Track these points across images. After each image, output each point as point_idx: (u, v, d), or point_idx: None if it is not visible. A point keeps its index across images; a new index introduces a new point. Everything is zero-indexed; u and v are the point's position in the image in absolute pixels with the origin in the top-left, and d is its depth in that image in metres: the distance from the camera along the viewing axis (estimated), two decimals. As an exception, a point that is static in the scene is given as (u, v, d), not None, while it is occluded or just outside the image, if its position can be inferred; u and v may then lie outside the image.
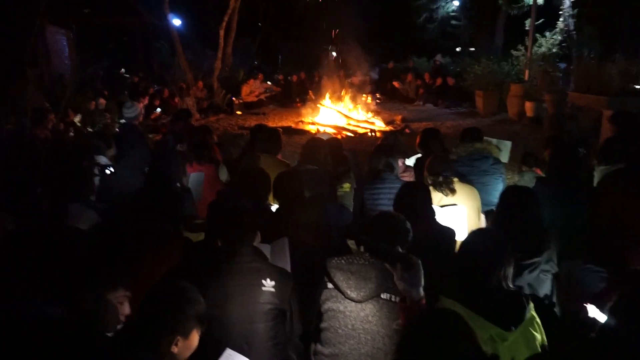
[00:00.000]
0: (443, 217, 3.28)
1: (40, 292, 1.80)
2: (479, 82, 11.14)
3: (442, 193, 3.41)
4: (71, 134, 6.78)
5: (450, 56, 18.26)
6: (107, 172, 3.63)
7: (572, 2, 10.49)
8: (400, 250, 2.07)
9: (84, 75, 13.26)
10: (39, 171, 4.04)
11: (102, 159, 4.45)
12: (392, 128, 9.66)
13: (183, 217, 3.24)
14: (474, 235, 2.13)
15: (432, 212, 2.73)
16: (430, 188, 3.50)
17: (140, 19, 14.54)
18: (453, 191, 3.41)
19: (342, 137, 9.16)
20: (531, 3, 10.11)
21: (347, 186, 4.00)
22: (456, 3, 20.62)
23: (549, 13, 11.63)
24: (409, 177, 4.04)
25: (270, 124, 10.80)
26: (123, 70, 14.15)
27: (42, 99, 7.64)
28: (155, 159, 3.39)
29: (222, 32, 13.28)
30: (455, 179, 3.51)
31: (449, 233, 2.67)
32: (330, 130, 9.53)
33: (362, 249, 2.23)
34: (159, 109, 10.49)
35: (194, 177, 3.73)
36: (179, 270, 2.35)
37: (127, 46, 15.33)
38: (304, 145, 3.88)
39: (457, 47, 21.43)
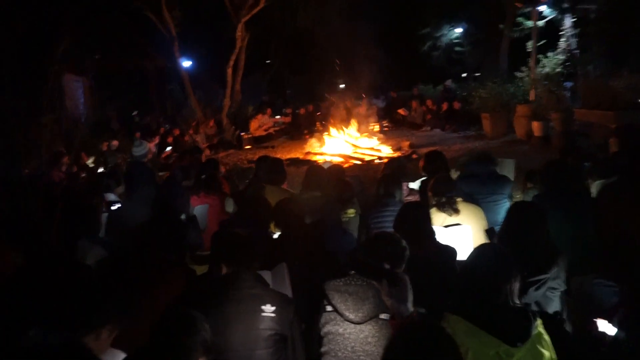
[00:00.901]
0: (448, 237, 3.26)
1: (43, 322, 1.84)
2: (485, 104, 11.18)
3: (446, 213, 3.40)
4: (84, 175, 6.97)
5: (457, 81, 18.46)
6: (113, 208, 3.69)
7: (573, 22, 10.61)
8: (397, 268, 2.06)
9: (99, 119, 13.72)
10: (55, 211, 4.17)
11: (111, 196, 4.56)
12: (399, 154, 9.70)
13: (189, 247, 3.29)
14: (479, 250, 2.11)
15: (432, 232, 2.71)
16: (435, 209, 3.51)
17: (152, 62, 15.11)
18: (457, 211, 3.40)
19: (349, 165, 9.23)
20: (532, 26, 10.23)
21: (351, 212, 4.00)
22: (459, 30, 20.97)
23: (551, 34, 11.75)
24: (413, 200, 4.04)
25: (279, 156, 10.97)
26: (136, 112, 14.60)
27: (59, 144, 7.90)
28: (161, 192, 3.46)
29: (229, 71, 13.68)
30: (459, 199, 3.51)
31: (450, 252, 2.65)
32: (338, 159, 9.62)
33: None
34: (169, 148, 10.72)
35: (198, 209, 3.79)
36: (182, 299, 2.37)
37: (140, 88, 15.85)
38: (305, 173, 3.93)
39: (463, 72, 21.66)
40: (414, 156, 9.50)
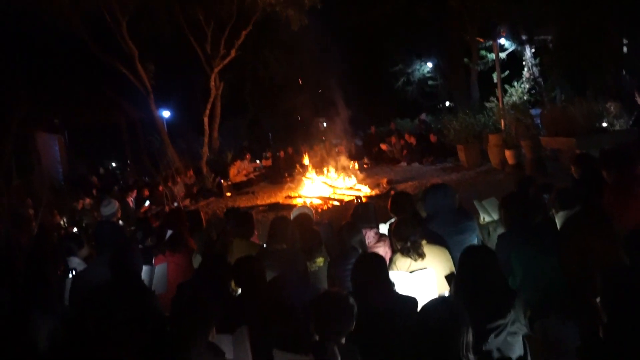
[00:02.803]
0: (413, 282, 3.22)
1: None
2: (458, 136, 11.38)
3: (411, 258, 3.36)
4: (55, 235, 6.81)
5: (432, 114, 18.88)
6: (77, 271, 3.58)
7: (532, 52, 11.03)
8: (341, 332, 1.99)
9: (74, 176, 13.62)
10: (18, 278, 4.04)
11: (74, 260, 4.44)
12: (378, 192, 9.72)
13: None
14: (429, 306, 2.08)
15: (389, 283, 2.66)
16: (399, 254, 3.47)
17: (125, 116, 15.20)
18: (422, 255, 3.36)
19: (329, 207, 9.21)
20: (494, 58, 10.60)
21: (320, 261, 3.94)
22: (430, 65, 21.64)
23: (515, 64, 12.17)
24: (383, 247, 3.98)
25: (259, 202, 10.92)
26: (114, 164, 14.54)
27: (28, 206, 7.75)
28: (117, 255, 3.37)
29: (206, 120, 13.82)
30: (424, 242, 3.48)
31: (410, 302, 2.59)
32: (317, 202, 9.60)
33: None
34: (147, 202, 10.60)
35: (157, 269, 3.70)
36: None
37: (115, 142, 15.88)
38: (270, 224, 3.88)
39: (437, 104, 22.21)
40: (392, 192, 9.54)
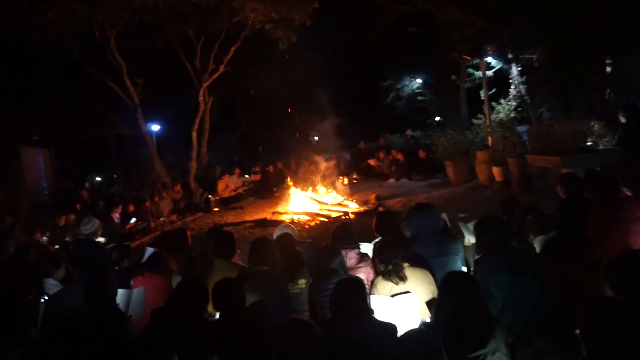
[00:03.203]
0: (394, 307, 3.15)
1: None
2: (447, 152, 11.41)
3: (392, 282, 3.30)
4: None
5: (422, 129, 19.00)
6: (42, 300, 3.46)
7: (519, 70, 11.16)
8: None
9: (59, 191, 13.43)
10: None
11: (50, 282, 4.31)
12: (366, 208, 9.68)
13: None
14: (406, 338, 2.03)
15: (366, 310, 2.59)
16: (380, 277, 3.42)
17: (113, 130, 15.09)
18: (403, 279, 3.30)
19: (316, 223, 9.14)
20: (481, 76, 10.70)
21: (302, 282, 3.86)
22: (419, 81, 21.84)
23: (502, 81, 12.30)
24: (365, 267, 3.92)
25: (247, 218, 10.82)
26: (98, 179, 14.38)
27: (8, 223, 7.59)
28: (90, 278, 3.27)
29: (194, 134, 13.76)
30: (406, 264, 3.42)
31: (389, 330, 2.53)
32: (305, 218, 9.53)
33: None
34: (134, 219, 10.45)
35: (135, 293, 3.60)
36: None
37: (102, 157, 15.73)
38: (250, 245, 3.80)
39: (427, 119, 22.36)
40: (380, 209, 9.50)
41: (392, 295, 3.22)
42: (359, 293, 2.56)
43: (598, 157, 6.38)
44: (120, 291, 3.56)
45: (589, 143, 6.64)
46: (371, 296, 3.21)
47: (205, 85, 13.76)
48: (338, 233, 4.02)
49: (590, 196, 3.68)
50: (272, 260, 3.75)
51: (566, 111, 10.07)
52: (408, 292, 3.26)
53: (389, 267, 3.37)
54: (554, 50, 8.42)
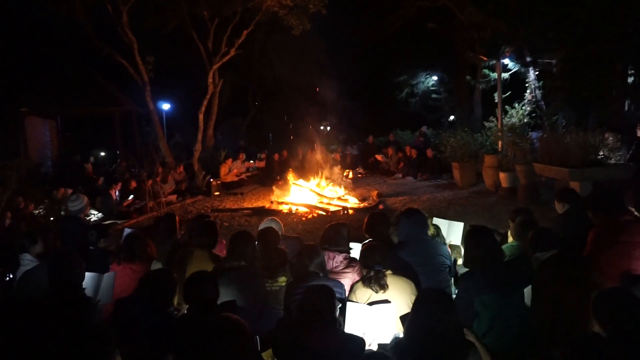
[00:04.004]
0: (370, 316, 2.99)
1: None
2: (455, 153, 11.15)
3: (372, 289, 3.13)
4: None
5: (434, 127, 18.65)
6: (7, 277, 3.35)
7: (536, 75, 10.79)
8: None
9: (64, 162, 13.41)
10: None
11: (27, 257, 4.21)
12: (366, 205, 9.50)
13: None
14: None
15: (334, 322, 2.42)
16: (360, 284, 3.24)
17: (120, 107, 15.00)
18: (383, 287, 3.12)
19: (314, 215, 8.98)
20: (496, 77, 10.37)
21: (282, 280, 3.70)
22: (435, 78, 21.42)
23: (518, 85, 11.94)
24: (351, 273, 3.74)
25: (246, 205, 10.69)
26: (103, 154, 14.36)
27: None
28: (54, 260, 3.13)
29: (201, 116, 13.61)
30: (389, 272, 3.24)
31: (357, 343, 2.36)
32: (303, 209, 9.37)
33: None
34: (132, 196, 10.38)
35: (105, 278, 3.47)
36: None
37: (107, 132, 15.69)
38: (230, 239, 3.64)
39: (440, 118, 21.95)
40: (380, 207, 9.32)
41: (370, 304, 3.06)
42: (328, 303, 2.39)
43: (608, 172, 6.10)
44: (88, 275, 3.45)
45: (601, 156, 6.35)
46: (347, 302, 3.06)
47: (215, 67, 13.57)
48: (329, 234, 3.86)
49: (592, 215, 3.44)
50: (251, 255, 3.59)
51: (582, 121, 9.70)
52: (387, 301, 3.09)
53: (370, 273, 3.21)
54: (571, 57, 8.08)
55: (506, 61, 11.06)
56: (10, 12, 10.59)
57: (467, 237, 3.18)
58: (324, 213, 9.06)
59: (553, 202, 5.35)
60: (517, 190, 8.89)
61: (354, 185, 11.81)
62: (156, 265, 4.19)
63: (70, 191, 9.14)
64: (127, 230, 4.47)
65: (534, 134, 11.07)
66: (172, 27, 13.97)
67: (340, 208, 9.20)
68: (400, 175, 13.31)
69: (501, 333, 2.90)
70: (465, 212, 8.37)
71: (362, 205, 9.46)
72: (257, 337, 2.77)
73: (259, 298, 3.44)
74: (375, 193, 10.44)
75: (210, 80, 13.59)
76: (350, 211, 9.06)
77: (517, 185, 9.08)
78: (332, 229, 3.93)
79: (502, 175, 9.41)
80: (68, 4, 10.73)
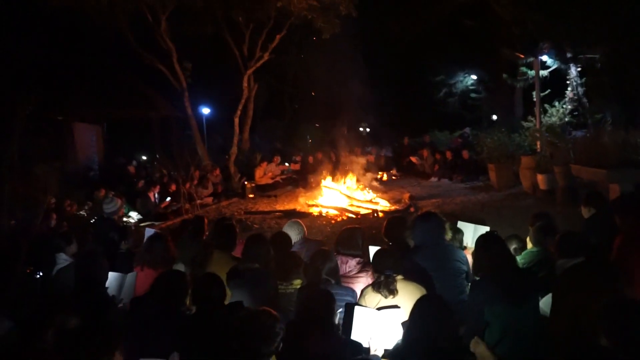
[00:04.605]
0: (378, 321, 2.96)
1: None
2: (491, 154, 10.82)
3: (381, 294, 3.10)
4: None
5: (473, 127, 18.15)
6: (38, 275, 3.56)
7: (578, 71, 10.29)
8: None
9: (110, 165, 14.08)
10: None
11: (62, 257, 4.45)
12: (397, 207, 9.39)
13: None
14: None
15: (331, 326, 2.42)
16: (370, 289, 3.22)
17: (158, 112, 15.57)
18: (393, 292, 3.09)
19: (343, 218, 8.97)
20: (534, 75, 9.99)
21: (297, 283, 3.73)
22: (474, 77, 20.86)
23: (559, 82, 11.43)
24: (365, 277, 3.72)
25: (278, 207, 10.81)
26: (144, 157, 14.96)
27: (48, 194, 7.98)
28: (81, 261, 3.31)
29: (236, 120, 13.91)
30: (399, 277, 3.21)
31: (354, 348, 2.35)
32: (333, 212, 9.38)
33: None
34: (169, 198, 10.74)
35: (128, 278, 3.62)
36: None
37: (147, 137, 16.32)
38: (245, 241, 3.72)
39: (480, 118, 21.34)
40: (412, 209, 9.17)
41: (378, 309, 3.03)
42: (327, 307, 2.40)
43: (651, 173, 5.73)
44: (112, 275, 3.60)
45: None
46: (356, 307, 3.04)
47: (249, 72, 13.84)
48: (343, 237, 3.86)
49: (619, 220, 3.25)
50: (265, 257, 3.65)
51: (629, 119, 9.18)
52: (397, 306, 3.05)
53: (381, 278, 3.18)
54: (616, 52, 7.64)
55: (545, 58, 10.61)
56: (57, 23, 11.22)
57: (476, 244, 3.09)
58: (354, 216, 9.03)
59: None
60: (556, 193, 8.53)
61: (388, 188, 11.70)
62: (178, 266, 4.33)
63: (112, 193, 9.58)
64: (149, 231, 4.63)
65: (578, 133, 10.57)
66: (209, 33, 14.35)
67: (371, 211, 9.14)
68: (436, 179, 13.03)
69: (513, 343, 2.79)
70: (499, 215, 8.10)
71: (393, 208, 9.35)
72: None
73: (271, 300, 3.48)
74: (407, 196, 10.28)
75: (245, 84, 13.87)
76: (381, 214, 8.98)
77: (555, 187, 8.70)
78: (346, 233, 3.93)
79: (539, 177, 9.04)
80: (109, 12, 11.26)
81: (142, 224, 9.24)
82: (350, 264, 3.74)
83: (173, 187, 11.41)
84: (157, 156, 13.34)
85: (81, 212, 8.85)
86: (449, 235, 3.85)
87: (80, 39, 12.72)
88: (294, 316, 2.47)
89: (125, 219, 9.13)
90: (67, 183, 10.45)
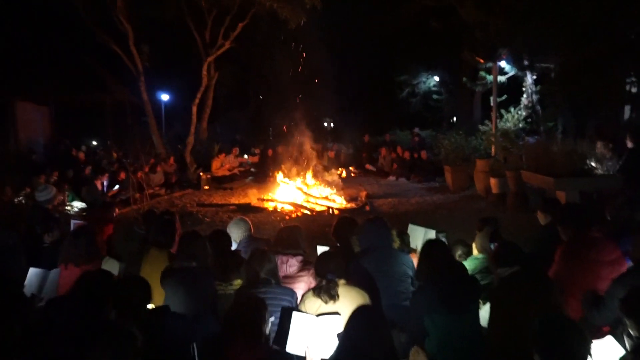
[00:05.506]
0: (317, 328, 2.83)
1: None
2: (447, 157, 10.96)
3: (321, 299, 2.97)
4: None
5: (434, 128, 18.40)
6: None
7: (534, 79, 10.56)
8: None
9: (56, 149, 13.31)
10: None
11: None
12: (353, 206, 9.33)
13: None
14: None
15: (260, 335, 2.26)
16: (310, 293, 3.09)
17: (111, 96, 14.88)
18: (333, 298, 2.96)
19: (298, 215, 8.83)
20: (492, 80, 10.16)
21: (237, 283, 3.56)
22: (436, 78, 21.15)
23: (515, 89, 11.71)
24: (306, 276, 3.59)
25: (233, 200, 10.53)
26: (95, 143, 14.26)
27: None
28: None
29: (194, 108, 13.48)
30: (342, 282, 3.08)
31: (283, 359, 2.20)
32: (288, 208, 9.22)
33: None
34: (117, 186, 10.25)
35: (51, 274, 3.33)
36: None
37: (98, 121, 15.57)
38: (179, 238, 3.50)
39: (441, 119, 21.70)
40: (367, 208, 9.14)
41: (317, 315, 2.90)
42: (256, 315, 2.24)
43: (595, 182, 5.91)
44: (32, 271, 3.30)
45: (589, 165, 6.15)
46: (294, 313, 2.91)
47: (209, 59, 13.43)
48: (282, 237, 3.70)
49: (560, 230, 3.27)
50: (202, 256, 3.44)
51: (579, 128, 9.49)
52: (337, 313, 2.93)
53: (322, 282, 3.05)
54: (570, 62, 7.85)
55: (503, 64, 10.85)
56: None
57: (421, 251, 3.02)
58: (309, 213, 8.91)
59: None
60: (507, 197, 8.70)
61: (345, 185, 11.64)
62: (108, 262, 4.05)
63: (54, 178, 9.02)
64: (73, 223, 4.31)
65: (530, 140, 10.86)
66: (169, 17, 13.78)
67: (326, 208, 9.04)
68: (394, 178, 13.11)
69: (453, 352, 2.74)
70: (451, 216, 8.20)
71: (348, 206, 9.29)
72: (194, 344, 2.63)
73: (208, 300, 3.30)
74: (364, 194, 10.27)
75: (204, 72, 13.45)
76: (336, 211, 8.89)
77: (507, 191, 8.88)
78: (284, 232, 3.78)
79: (492, 180, 9.21)
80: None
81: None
82: (291, 263, 3.60)
83: (122, 175, 10.89)
84: (108, 142, 12.71)
85: (18, 199, 8.26)
86: (397, 243, 3.77)
87: (29, 13, 11.90)
88: (223, 324, 2.29)
89: (67, 209, 8.61)
90: (5, 165, 9.79)
